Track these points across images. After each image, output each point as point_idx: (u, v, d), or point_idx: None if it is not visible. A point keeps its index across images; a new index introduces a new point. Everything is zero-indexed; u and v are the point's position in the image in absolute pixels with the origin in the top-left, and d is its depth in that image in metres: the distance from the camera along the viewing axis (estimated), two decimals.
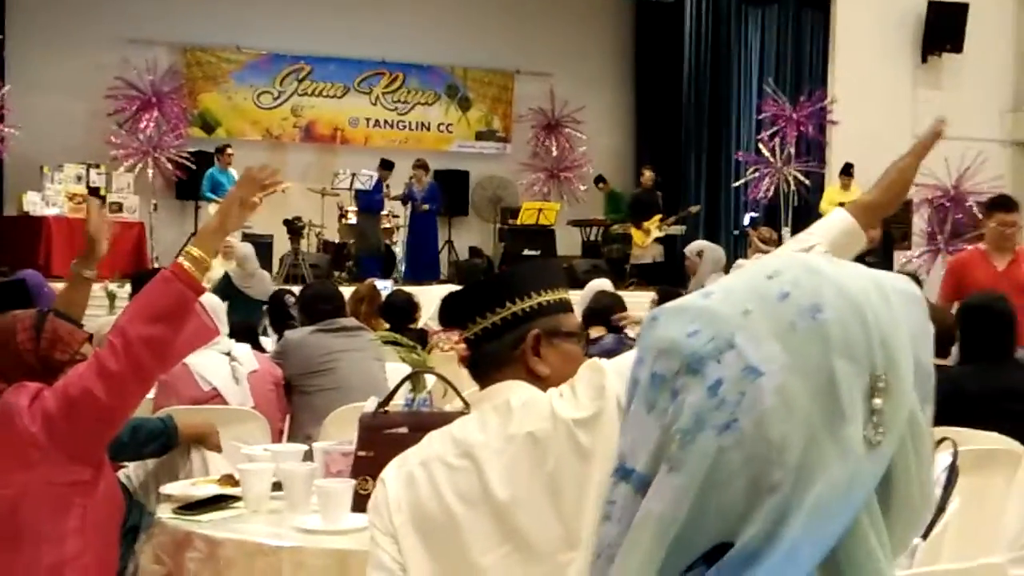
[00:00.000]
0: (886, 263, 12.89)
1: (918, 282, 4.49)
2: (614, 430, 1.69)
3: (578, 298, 6.88)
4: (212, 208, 13.31)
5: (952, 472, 2.34)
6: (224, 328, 4.61)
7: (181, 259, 2.69)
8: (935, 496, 0.85)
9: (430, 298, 7.77)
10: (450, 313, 2.03)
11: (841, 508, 0.77)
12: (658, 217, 14.35)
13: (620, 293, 7.46)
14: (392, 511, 1.84)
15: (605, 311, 6.14)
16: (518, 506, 1.79)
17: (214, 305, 4.60)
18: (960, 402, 3.96)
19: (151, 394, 4.54)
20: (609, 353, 5.84)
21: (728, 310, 0.81)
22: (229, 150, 13.88)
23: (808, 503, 0.76)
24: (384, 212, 14.32)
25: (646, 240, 14.31)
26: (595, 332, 5.97)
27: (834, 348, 0.78)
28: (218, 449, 3.66)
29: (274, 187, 3.00)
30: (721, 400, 0.78)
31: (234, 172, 13.61)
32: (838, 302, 0.80)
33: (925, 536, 2.44)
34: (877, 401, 0.78)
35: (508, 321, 1.95)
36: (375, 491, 1.90)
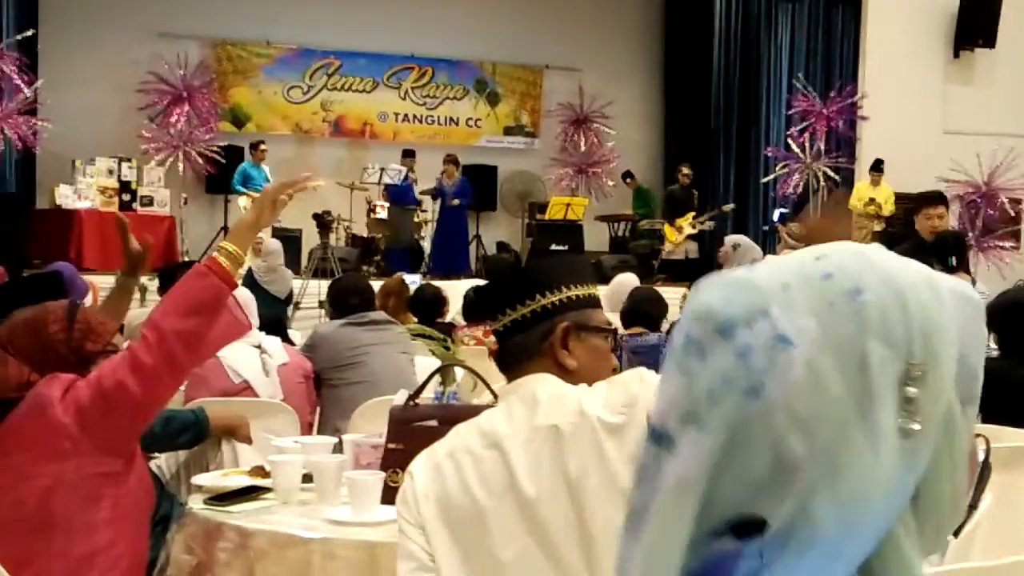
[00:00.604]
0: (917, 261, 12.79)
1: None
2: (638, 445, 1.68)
3: (605, 291, 6.88)
4: (242, 201, 13.36)
5: (985, 469, 2.33)
6: (255, 321, 4.63)
7: (215, 253, 2.71)
8: (965, 503, 0.83)
9: (458, 293, 7.78)
10: (479, 305, 2.04)
11: (877, 502, 0.76)
12: (691, 215, 14.32)
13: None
14: (420, 503, 1.85)
15: (648, 313, 6.09)
16: (541, 500, 1.80)
17: (246, 299, 4.63)
18: (1003, 394, 3.94)
19: (182, 386, 4.59)
20: (652, 349, 5.82)
21: (768, 282, 0.81)
22: (263, 146, 13.94)
23: (841, 488, 0.75)
24: (413, 206, 14.36)
25: (678, 237, 14.29)
26: (636, 330, 5.96)
27: (870, 329, 0.78)
28: (248, 441, 3.68)
29: (306, 185, 3.02)
30: (749, 365, 0.78)
31: (267, 168, 13.67)
32: (881, 287, 0.79)
33: (956, 534, 2.43)
34: (911, 390, 0.77)
35: (538, 314, 1.96)
36: (403, 483, 1.91)
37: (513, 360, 1.97)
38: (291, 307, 10.86)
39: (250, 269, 10.66)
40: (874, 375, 0.77)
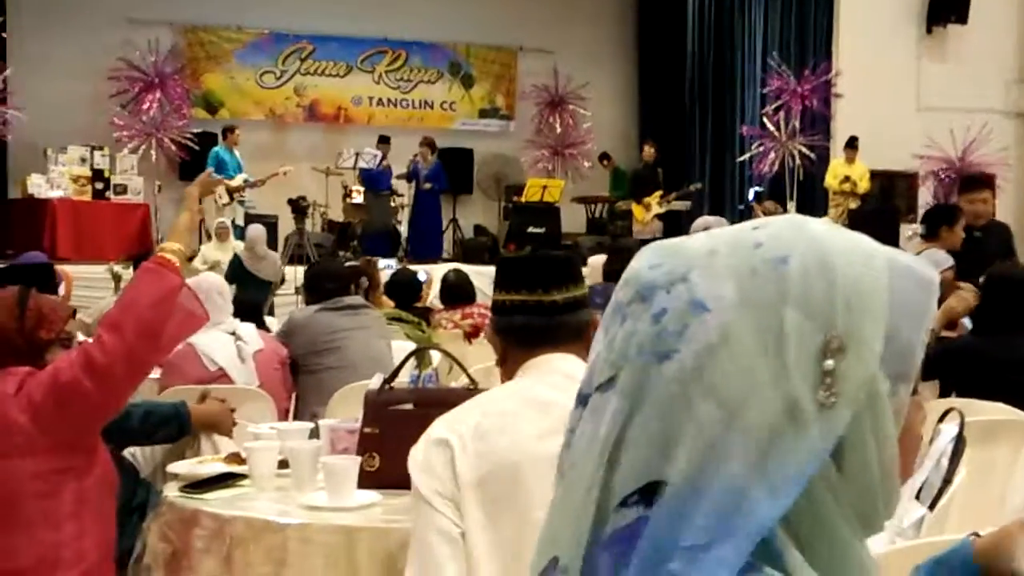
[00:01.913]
0: (891, 237, 12.86)
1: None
2: None
3: (586, 272, 6.89)
4: (217, 188, 13.29)
5: (959, 442, 2.34)
6: (229, 309, 4.61)
7: (160, 252, 2.70)
8: (897, 482, 0.81)
9: (435, 277, 7.77)
10: (534, 276, 2.04)
11: (790, 465, 0.74)
12: (659, 193, 14.34)
13: None
14: (459, 464, 1.82)
15: None
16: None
17: (219, 287, 4.61)
18: (978, 371, 3.96)
19: (156, 374, 4.56)
20: None
21: (696, 249, 0.81)
22: (237, 131, 13.87)
23: (751, 448, 0.74)
24: (388, 191, 14.33)
25: (647, 216, 14.29)
26: None
27: (789, 298, 0.77)
28: (230, 435, 3.65)
29: (220, 182, 3.03)
30: (663, 328, 0.78)
31: (238, 152, 13.60)
32: (808, 257, 0.78)
33: (932, 507, 2.43)
34: (829, 362, 0.76)
35: (584, 298, 2.05)
36: (423, 452, 1.88)
37: (553, 335, 2.00)
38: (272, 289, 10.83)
39: (237, 256, 10.62)
40: (790, 344, 0.76)
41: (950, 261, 5.45)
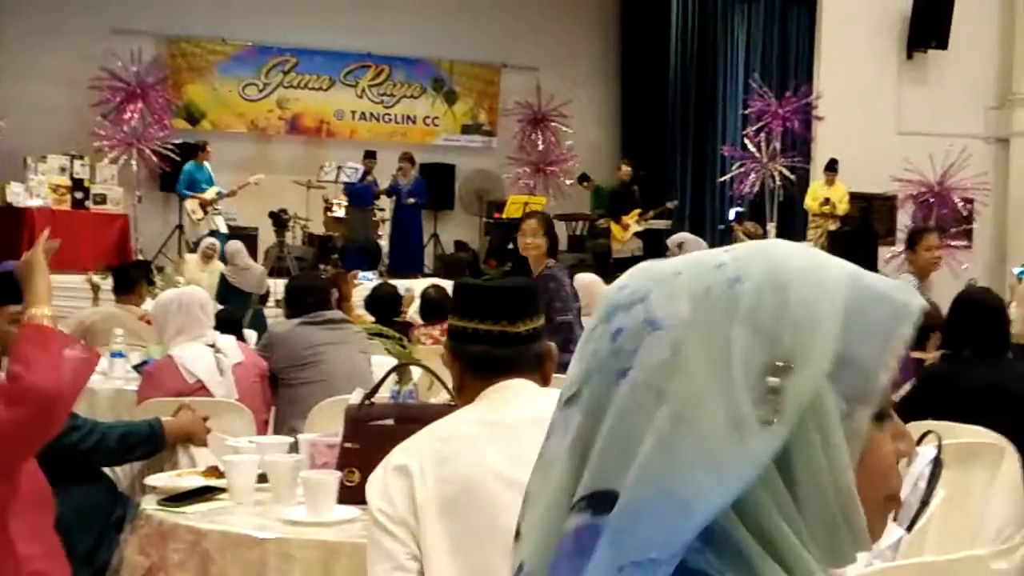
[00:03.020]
0: (870, 259, 12.93)
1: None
2: None
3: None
4: (189, 204, 13.23)
5: (936, 465, 2.35)
6: (210, 322, 4.60)
7: (30, 319, 2.60)
8: (855, 503, 0.80)
9: (415, 291, 7.76)
10: (503, 306, 2.05)
11: (732, 471, 0.75)
12: (637, 212, 14.41)
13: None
14: (417, 491, 1.84)
15: None
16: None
17: (201, 300, 4.59)
18: (948, 396, 3.97)
19: (134, 386, 4.54)
20: None
21: (661, 270, 0.84)
22: (208, 147, 13.84)
23: (698, 455, 0.75)
24: (371, 206, 14.33)
25: (624, 235, 14.38)
26: None
27: (739, 316, 0.78)
28: (205, 444, 3.65)
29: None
30: (619, 347, 0.81)
31: (209, 167, 13.56)
32: (763, 278, 0.80)
33: (909, 529, 2.45)
34: (773, 380, 0.76)
35: (542, 328, 2.10)
36: (381, 480, 1.89)
37: (521, 364, 2.04)
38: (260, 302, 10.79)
39: (222, 275, 10.58)
40: (735, 360, 0.77)
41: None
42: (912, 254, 6.30)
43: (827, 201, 13.45)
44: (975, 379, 4.08)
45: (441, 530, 1.83)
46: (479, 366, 2.04)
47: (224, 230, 12.77)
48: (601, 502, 0.78)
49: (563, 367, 3.18)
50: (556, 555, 0.80)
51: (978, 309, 4.31)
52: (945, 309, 4.51)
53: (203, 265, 11.53)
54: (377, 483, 1.90)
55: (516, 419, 1.91)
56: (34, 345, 2.53)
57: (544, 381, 2.07)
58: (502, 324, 2.03)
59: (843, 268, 0.83)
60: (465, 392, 2.07)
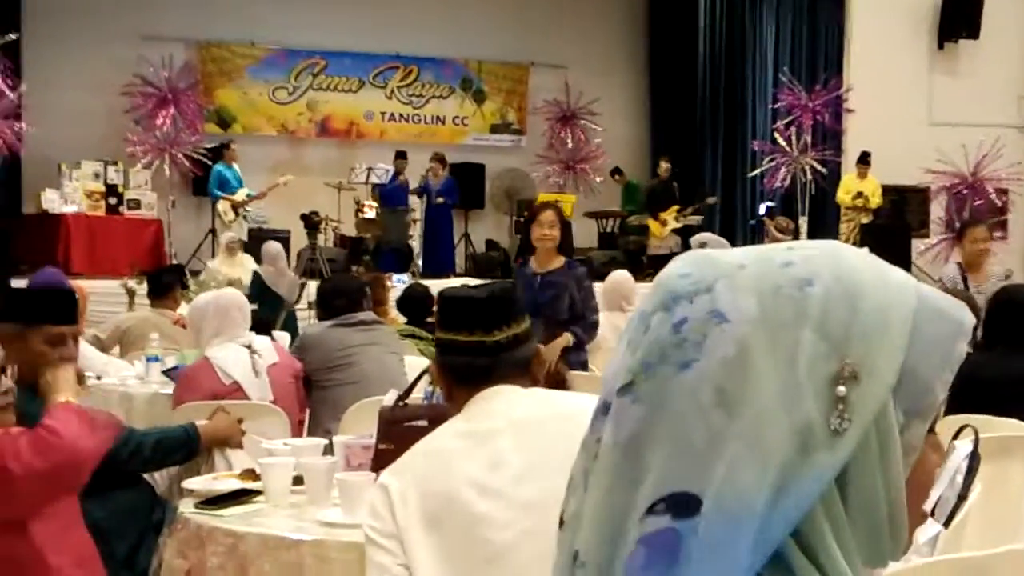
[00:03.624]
0: (904, 252, 12.83)
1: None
2: None
3: (601, 289, 6.86)
4: (221, 205, 13.31)
5: (974, 459, 2.34)
6: (246, 323, 4.63)
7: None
8: (903, 516, 0.81)
9: None
10: (476, 317, 2.08)
11: (797, 487, 0.75)
12: (675, 208, 14.36)
13: (638, 285, 7.44)
14: (397, 509, 1.90)
15: None
16: (532, 479, 1.90)
17: (238, 303, 4.62)
18: (977, 387, 3.94)
19: (170, 389, 4.57)
20: None
21: (727, 261, 0.82)
22: (233, 145, 13.94)
23: (763, 467, 0.74)
24: (403, 207, 14.36)
25: (663, 231, 14.34)
26: None
27: (809, 320, 0.77)
28: (240, 447, 3.67)
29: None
30: (683, 338, 0.79)
31: (237, 167, 13.65)
32: (833, 283, 0.79)
33: (947, 524, 2.44)
34: (841, 388, 0.76)
35: (527, 333, 2.11)
36: (369, 499, 1.97)
37: (499, 372, 2.07)
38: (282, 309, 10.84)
39: (257, 274, 10.63)
40: (804, 365, 0.76)
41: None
42: (959, 246, 6.58)
43: (860, 194, 13.35)
44: (1001, 371, 4.05)
45: (427, 544, 1.89)
46: (462, 376, 2.08)
47: (244, 237, 12.82)
48: (681, 505, 0.76)
49: (582, 365, 3.29)
50: (635, 554, 0.78)
51: (1016, 308, 4.30)
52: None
53: (229, 260, 11.55)
54: (367, 500, 1.99)
55: (492, 427, 1.97)
56: (69, 411, 2.63)
57: (533, 383, 2.10)
58: (478, 334, 2.07)
59: (908, 281, 0.83)
60: (454, 402, 2.12)
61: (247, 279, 10.43)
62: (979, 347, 4.31)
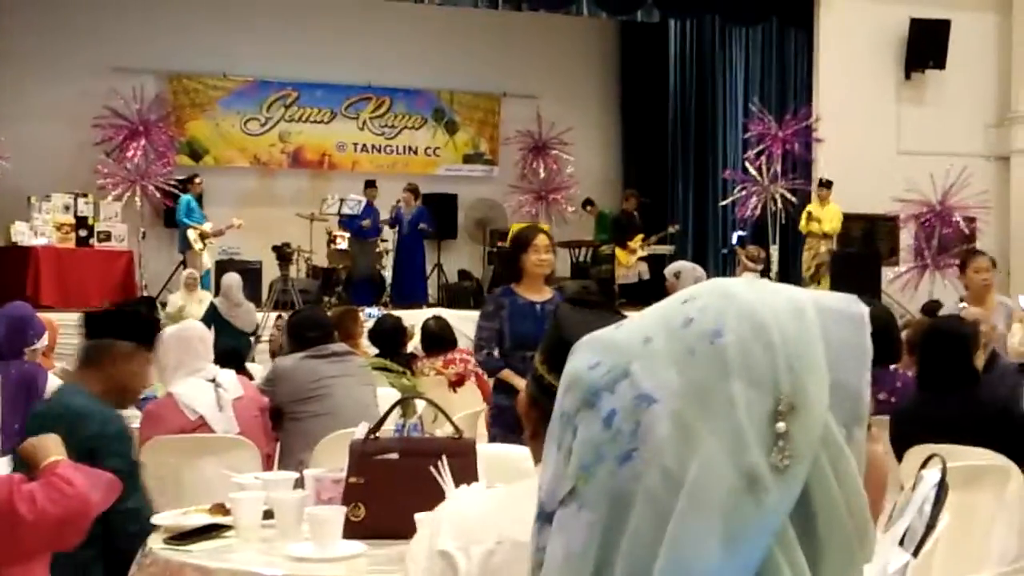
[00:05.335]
0: (873, 279, 12.93)
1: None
2: None
3: None
4: (190, 234, 13.33)
5: (942, 488, 2.34)
6: (209, 356, 4.60)
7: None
8: (868, 523, 0.80)
9: (418, 323, 7.76)
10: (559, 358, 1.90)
11: (754, 534, 0.74)
12: (640, 236, 14.56)
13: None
14: None
15: None
16: None
17: (200, 335, 4.60)
18: (927, 434, 3.88)
19: (136, 424, 4.53)
20: None
21: (629, 339, 0.81)
22: (197, 179, 14.10)
23: (718, 529, 0.74)
24: (375, 237, 14.36)
25: (631, 259, 14.66)
26: None
27: (732, 371, 0.77)
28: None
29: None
30: (617, 431, 0.77)
31: (193, 198, 13.75)
32: (740, 326, 0.78)
33: (916, 553, 2.44)
34: (781, 425, 0.75)
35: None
36: (426, 560, 1.65)
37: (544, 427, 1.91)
38: (253, 339, 10.81)
39: (212, 304, 10.62)
40: (741, 417, 0.76)
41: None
42: (964, 277, 6.56)
43: (810, 215, 13.54)
44: (936, 412, 4.03)
45: None
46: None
47: (210, 266, 12.89)
48: None
49: None
50: None
51: (942, 340, 4.27)
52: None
53: (188, 296, 11.61)
54: (421, 560, 1.65)
55: None
56: (69, 466, 2.65)
57: None
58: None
59: (801, 295, 0.82)
60: (537, 442, 1.90)
61: (201, 314, 10.41)
62: (920, 387, 4.27)
